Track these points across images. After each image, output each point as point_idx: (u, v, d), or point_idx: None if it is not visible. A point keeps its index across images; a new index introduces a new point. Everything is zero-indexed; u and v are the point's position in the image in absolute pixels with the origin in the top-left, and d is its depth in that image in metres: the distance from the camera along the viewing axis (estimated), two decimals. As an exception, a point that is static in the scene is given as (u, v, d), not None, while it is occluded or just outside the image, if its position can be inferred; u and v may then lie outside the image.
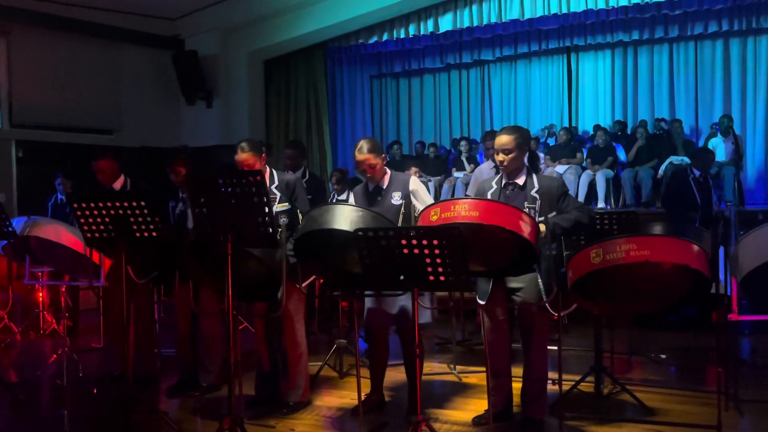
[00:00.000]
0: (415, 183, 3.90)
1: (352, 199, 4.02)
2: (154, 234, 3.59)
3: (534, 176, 3.58)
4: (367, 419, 3.76)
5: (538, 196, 3.48)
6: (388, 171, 3.95)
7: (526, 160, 3.60)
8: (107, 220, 3.59)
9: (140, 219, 3.56)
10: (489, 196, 3.56)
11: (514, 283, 3.51)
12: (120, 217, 3.56)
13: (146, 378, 4.66)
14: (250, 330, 4.26)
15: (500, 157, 3.53)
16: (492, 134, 6.01)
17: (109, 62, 9.40)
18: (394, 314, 3.80)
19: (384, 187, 3.88)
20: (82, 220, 3.65)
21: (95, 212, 3.59)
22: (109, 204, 3.55)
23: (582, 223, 3.43)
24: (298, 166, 5.84)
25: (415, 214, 3.79)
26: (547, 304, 3.38)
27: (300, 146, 6.37)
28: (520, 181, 3.57)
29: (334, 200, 6.71)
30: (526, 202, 3.46)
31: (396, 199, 3.82)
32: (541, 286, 3.40)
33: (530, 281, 3.44)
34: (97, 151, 4.87)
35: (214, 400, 4.36)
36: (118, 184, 4.79)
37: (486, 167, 6.01)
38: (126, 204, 3.53)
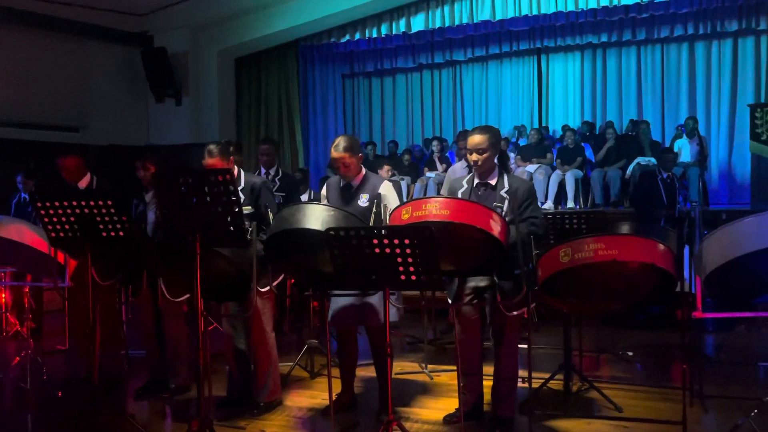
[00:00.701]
0: (385, 188, 3.84)
1: (324, 190, 3.99)
2: (121, 234, 3.53)
3: (505, 176, 3.60)
4: (338, 419, 3.75)
5: (507, 196, 3.50)
6: (364, 171, 3.92)
7: (496, 159, 3.62)
8: (72, 219, 3.52)
9: (107, 218, 3.49)
10: (460, 196, 3.57)
11: (483, 282, 3.53)
12: (86, 217, 3.49)
13: (113, 380, 4.58)
14: (219, 330, 4.22)
15: (474, 156, 3.54)
16: (465, 134, 6.04)
17: (75, 58, 9.22)
18: (361, 314, 3.80)
19: (355, 187, 3.86)
20: (46, 220, 3.57)
21: (60, 211, 3.51)
22: (74, 203, 3.48)
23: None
24: (273, 163, 5.79)
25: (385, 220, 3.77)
26: (516, 303, 3.40)
27: (275, 143, 6.32)
28: (492, 181, 3.59)
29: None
30: (495, 202, 3.49)
31: (363, 200, 3.79)
32: (510, 285, 3.42)
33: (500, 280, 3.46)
34: (62, 148, 4.76)
35: (183, 402, 4.30)
36: (83, 183, 4.70)
37: (459, 167, 6.03)
38: (92, 203, 3.46)
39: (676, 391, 4.09)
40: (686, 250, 4.54)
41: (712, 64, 9.77)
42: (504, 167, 3.66)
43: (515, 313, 3.39)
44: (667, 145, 9.31)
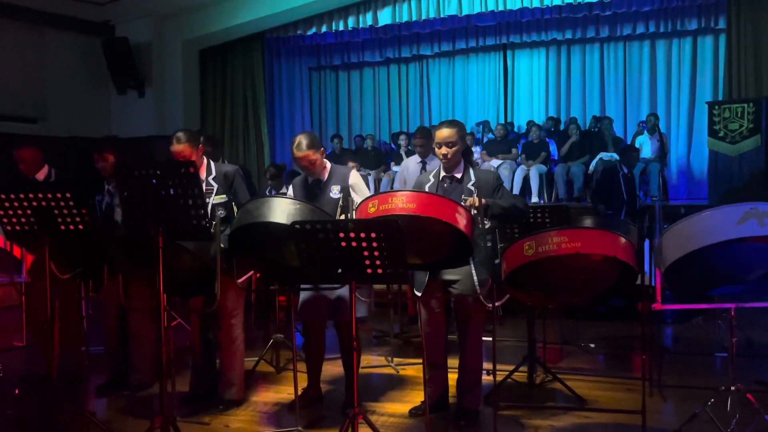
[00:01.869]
0: (354, 177, 3.87)
1: (290, 192, 3.95)
2: (80, 227, 3.44)
3: (471, 170, 3.63)
4: (303, 413, 3.74)
5: (474, 189, 3.53)
6: (329, 164, 3.90)
7: (461, 153, 3.64)
8: (29, 212, 3.41)
9: (65, 211, 3.40)
10: (427, 189, 3.59)
11: (449, 275, 3.55)
12: (43, 209, 3.39)
13: (73, 377, 4.47)
14: (183, 326, 4.15)
15: (444, 150, 3.56)
16: (423, 130, 6.06)
17: (34, 48, 8.94)
18: (329, 308, 3.78)
19: (324, 180, 3.84)
20: (1, 213, 3.46)
21: (15, 204, 3.41)
22: (31, 195, 3.38)
23: (519, 209, 3.48)
24: (216, 158, 5.70)
25: (354, 207, 3.77)
26: (481, 296, 3.44)
27: (213, 138, 6.22)
28: (458, 174, 3.61)
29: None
30: (463, 195, 3.51)
31: (335, 192, 3.78)
32: (476, 279, 3.45)
33: (466, 274, 3.49)
34: (19, 140, 4.62)
35: (146, 399, 4.23)
36: (41, 175, 4.57)
37: (412, 161, 6.05)
38: (50, 195, 3.37)
39: (636, 381, 4.17)
40: (646, 243, 4.65)
41: (672, 61, 9.98)
42: (468, 161, 3.69)
43: (497, 303, 3.41)
44: (629, 140, 9.49)
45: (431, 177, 3.68)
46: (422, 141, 5.85)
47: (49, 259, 3.50)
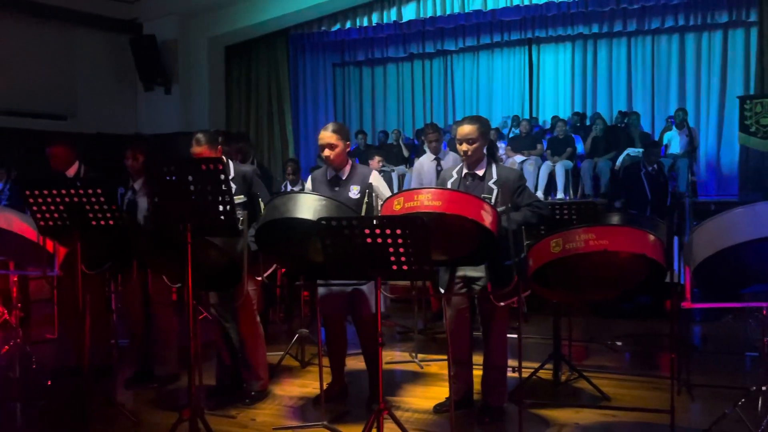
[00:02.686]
0: (375, 178, 3.83)
1: (308, 184, 3.95)
2: (110, 222, 3.50)
3: (494, 166, 3.60)
4: (328, 408, 3.76)
5: (495, 187, 3.50)
6: (350, 162, 3.90)
7: (485, 150, 3.62)
8: (62, 208, 3.48)
9: (96, 207, 3.46)
10: (449, 186, 3.57)
11: (472, 272, 3.54)
12: (75, 205, 3.46)
13: (102, 369, 4.56)
14: (209, 319, 4.21)
15: (464, 147, 3.53)
16: (433, 126, 6.04)
17: (63, 46, 9.10)
18: (346, 303, 3.80)
19: (343, 178, 3.82)
20: (35, 208, 3.53)
21: (48, 199, 3.48)
22: (63, 191, 3.45)
23: (530, 223, 3.45)
24: (247, 157, 5.75)
25: (379, 206, 3.77)
26: (495, 295, 3.41)
27: (247, 138, 6.28)
28: (480, 171, 3.59)
29: (288, 190, 6.64)
30: (483, 193, 3.49)
31: (354, 192, 3.76)
32: (487, 276, 3.44)
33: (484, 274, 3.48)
34: (51, 136, 4.72)
35: (173, 391, 4.30)
36: (71, 171, 4.66)
37: (426, 159, 6.04)
38: (82, 191, 3.43)
39: (663, 380, 4.13)
40: (675, 240, 4.58)
41: (702, 55, 9.80)
42: (492, 157, 3.65)
43: (502, 303, 3.41)
44: (656, 136, 9.35)
45: (454, 173, 3.67)
46: (435, 136, 5.84)
47: (80, 253, 3.56)
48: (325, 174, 3.89)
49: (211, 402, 3.92)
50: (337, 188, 3.79)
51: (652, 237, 3.12)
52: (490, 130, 3.68)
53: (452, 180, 3.63)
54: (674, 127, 8.92)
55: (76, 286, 3.63)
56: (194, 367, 3.27)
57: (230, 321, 4.08)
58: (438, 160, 5.80)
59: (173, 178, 3.11)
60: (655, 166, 6.87)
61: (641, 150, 8.55)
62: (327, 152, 3.77)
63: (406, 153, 9.99)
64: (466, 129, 3.53)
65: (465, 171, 3.62)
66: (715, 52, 9.70)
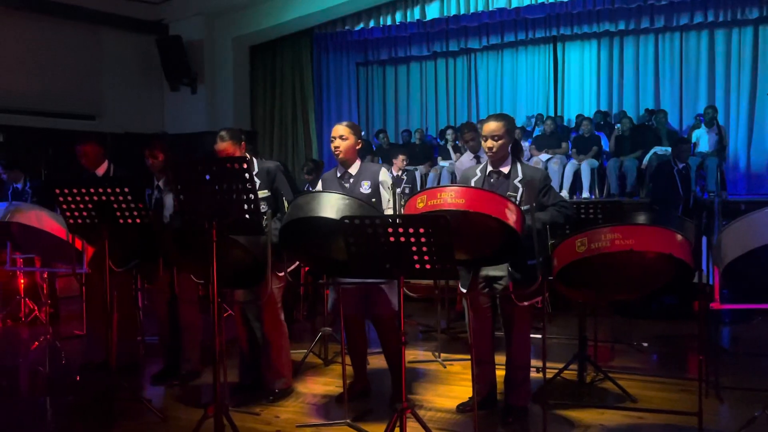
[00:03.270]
0: (384, 175, 3.86)
1: (319, 185, 3.97)
2: (137, 221, 3.56)
3: (518, 165, 3.58)
4: (351, 406, 3.76)
5: (521, 186, 3.48)
6: (359, 160, 3.92)
7: (509, 148, 3.60)
8: (90, 206, 3.55)
9: (123, 205, 3.52)
10: (473, 184, 3.56)
11: (494, 271, 3.52)
12: (103, 204, 3.52)
13: (129, 365, 4.63)
14: (233, 317, 4.25)
15: (489, 143, 3.52)
16: (470, 126, 6.02)
17: (90, 46, 9.25)
18: (366, 303, 3.80)
19: (354, 174, 3.85)
20: (65, 206, 3.60)
21: (78, 198, 3.54)
22: (92, 190, 3.51)
23: (556, 223, 3.44)
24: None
25: (400, 204, 3.77)
26: (518, 294, 3.39)
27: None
28: (505, 169, 3.57)
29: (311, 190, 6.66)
30: (508, 191, 3.47)
31: (365, 187, 3.78)
32: (509, 276, 3.42)
33: (508, 270, 3.46)
34: (82, 135, 4.80)
35: (196, 388, 4.34)
36: (101, 170, 4.74)
37: (466, 159, 6.02)
38: (109, 190, 3.49)
39: (691, 382, 4.06)
40: (704, 240, 4.51)
41: (732, 52, 9.60)
42: (517, 156, 3.64)
43: (526, 303, 3.38)
44: (684, 134, 9.20)
45: (478, 171, 3.65)
46: (471, 135, 5.83)
47: (108, 251, 3.63)
48: (334, 173, 3.92)
49: (235, 399, 3.96)
50: (348, 185, 3.81)
51: (679, 237, 3.07)
52: (515, 128, 3.67)
53: (476, 178, 3.61)
54: (703, 125, 8.77)
55: (104, 284, 3.69)
56: (219, 364, 3.30)
57: (255, 319, 4.11)
58: (478, 158, 5.77)
59: (200, 175, 3.14)
60: (684, 164, 6.76)
61: (668, 148, 8.44)
62: (337, 142, 3.80)
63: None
64: (492, 126, 3.52)
65: (489, 169, 3.61)
66: (746, 48, 9.49)
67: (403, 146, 10.06)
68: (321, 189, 3.88)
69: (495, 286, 3.56)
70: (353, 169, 3.85)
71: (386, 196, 3.78)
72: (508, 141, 3.54)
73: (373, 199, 3.74)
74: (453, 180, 6.39)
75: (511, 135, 3.57)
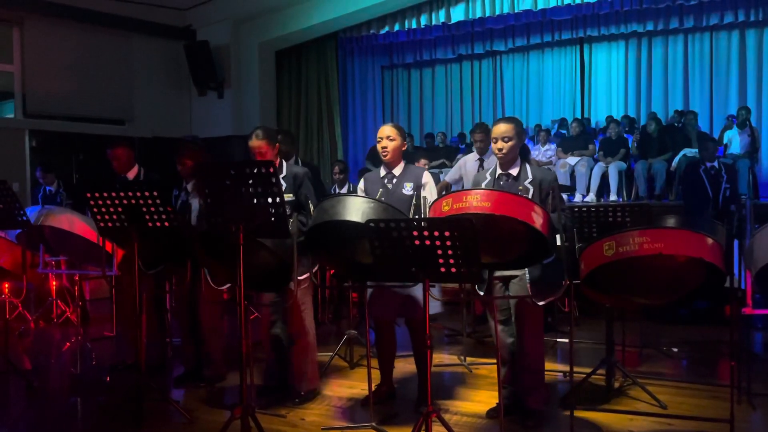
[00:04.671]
0: (427, 177, 3.92)
1: (361, 185, 4.02)
2: (166, 224, 3.61)
3: (527, 166, 3.63)
4: (377, 410, 3.77)
5: (531, 187, 3.51)
6: (403, 161, 3.98)
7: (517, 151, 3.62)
8: (120, 209, 3.61)
9: (152, 209, 3.58)
10: (483, 187, 3.59)
11: (509, 271, 3.52)
12: (133, 207, 3.58)
13: (158, 367, 4.69)
14: (259, 319, 4.28)
15: (499, 144, 3.57)
16: (482, 126, 6.02)
17: (121, 52, 9.44)
18: (398, 305, 3.80)
19: (397, 175, 3.89)
20: (95, 210, 3.67)
21: (108, 201, 3.61)
22: (122, 194, 3.57)
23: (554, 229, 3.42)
24: (289, 156, 5.82)
25: (428, 205, 3.78)
26: (535, 295, 3.37)
27: (291, 135, 6.36)
28: (514, 171, 3.60)
29: (336, 193, 6.71)
30: (519, 193, 3.47)
31: (407, 189, 3.83)
32: (527, 278, 3.42)
33: (520, 273, 3.47)
34: (112, 139, 4.89)
35: (222, 390, 4.38)
36: (131, 174, 4.82)
37: (470, 158, 6.02)
38: (139, 194, 3.55)
39: (722, 388, 3.98)
40: (735, 244, 4.41)
41: (763, 52, 9.42)
42: (525, 158, 3.67)
43: (541, 303, 3.36)
44: (716, 135, 9.03)
45: (488, 175, 3.69)
46: (481, 136, 5.83)
47: (137, 254, 3.68)
48: (378, 173, 3.97)
49: (262, 401, 3.98)
50: (390, 186, 3.85)
51: (710, 240, 3.02)
52: (524, 131, 3.70)
53: (486, 182, 3.64)
54: (735, 127, 8.60)
55: (133, 286, 3.75)
56: (245, 366, 3.33)
57: (281, 321, 4.14)
58: (482, 160, 5.79)
59: (227, 179, 3.17)
60: (715, 164, 6.62)
61: (698, 150, 8.29)
62: (385, 143, 3.88)
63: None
64: (502, 128, 3.58)
65: (499, 171, 3.63)
66: (778, 48, 9.32)
67: (426, 149, 10.05)
68: (363, 188, 3.97)
69: (511, 284, 3.55)
70: (397, 170, 3.91)
71: (429, 199, 3.80)
72: (517, 143, 3.60)
73: (414, 201, 3.78)
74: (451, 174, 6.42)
75: (520, 137, 3.63)
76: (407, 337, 3.99)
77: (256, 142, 3.91)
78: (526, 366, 3.61)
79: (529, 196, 3.44)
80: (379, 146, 3.91)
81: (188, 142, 4.44)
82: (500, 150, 3.57)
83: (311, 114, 10.43)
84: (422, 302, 3.71)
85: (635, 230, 3.04)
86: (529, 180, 3.54)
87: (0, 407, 4.17)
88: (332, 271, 5.63)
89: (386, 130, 3.92)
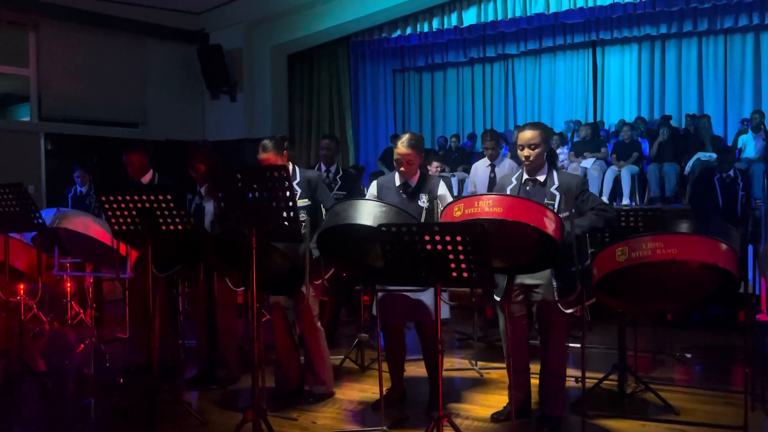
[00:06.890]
0: (443, 189, 3.86)
1: (372, 189, 3.97)
2: (179, 227, 3.64)
3: (555, 172, 3.56)
4: (388, 414, 3.77)
5: (557, 193, 3.46)
6: (419, 171, 3.90)
7: (545, 156, 3.58)
8: (134, 213, 3.65)
9: (166, 212, 3.61)
10: (508, 192, 3.54)
11: (530, 280, 3.49)
12: (146, 210, 3.61)
13: (170, 368, 4.72)
14: (271, 323, 4.31)
15: (526, 152, 3.51)
16: (492, 133, 6.02)
17: (135, 56, 9.52)
18: (408, 309, 3.80)
19: (413, 186, 3.84)
20: (110, 213, 3.71)
21: (122, 205, 3.65)
22: (136, 197, 3.61)
23: (596, 228, 3.40)
24: (334, 160, 5.88)
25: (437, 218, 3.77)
26: (559, 303, 3.35)
27: (336, 139, 6.43)
28: (541, 177, 3.55)
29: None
30: (545, 199, 3.44)
31: (423, 200, 3.78)
32: (554, 284, 3.38)
33: (546, 279, 3.43)
34: (128, 144, 4.94)
35: (234, 392, 4.40)
36: (146, 179, 4.86)
37: (481, 165, 6.01)
38: (152, 197, 3.58)
39: (736, 395, 3.95)
40: (750, 249, 4.38)
41: (778, 55, 9.34)
42: (553, 164, 3.61)
43: (569, 311, 3.34)
44: (729, 140, 8.96)
45: (513, 179, 3.64)
46: (492, 143, 5.84)
47: (151, 257, 3.71)
48: (393, 180, 3.91)
49: (273, 404, 4.00)
50: (405, 196, 3.81)
51: (724, 246, 3.00)
52: (551, 137, 3.64)
53: (511, 186, 3.60)
54: (750, 131, 8.53)
55: (146, 288, 3.78)
56: (257, 369, 3.35)
57: (293, 324, 4.16)
58: (493, 166, 5.80)
59: (240, 184, 3.20)
60: (731, 173, 6.57)
61: (712, 154, 8.23)
62: (405, 167, 3.77)
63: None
64: (528, 134, 3.51)
65: (525, 177, 3.59)
66: (793, 51, 9.23)
67: (438, 152, 10.04)
68: (376, 193, 3.91)
69: (532, 294, 3.52)
70: (413, 181, 3.85)
71: (438, 210, 3.75)
72: (544, 149, 3.53)
73: (426, 207, 3.73)
74: (468, 186, 6.43)
75: (547, 143, 3.55)
76: (416, 341, 3.99)
77: (264, 155, 3.95)
78: (548, 371, 3.60)
79: (556, 203, 3.42)
80: (396, 161, 3.80)
81: (198, 146, 4.45)
82: (527, 158, 3.50)
83: (323, 117, 10.46)
84: (432, 307, 3.73)
85: (648, 235, 3.02)
86: (555, 186, 3.48)
87: (14, 408, 4.22)
88: (344, 275, 5.63)
89: (404, 154, 3.73)
